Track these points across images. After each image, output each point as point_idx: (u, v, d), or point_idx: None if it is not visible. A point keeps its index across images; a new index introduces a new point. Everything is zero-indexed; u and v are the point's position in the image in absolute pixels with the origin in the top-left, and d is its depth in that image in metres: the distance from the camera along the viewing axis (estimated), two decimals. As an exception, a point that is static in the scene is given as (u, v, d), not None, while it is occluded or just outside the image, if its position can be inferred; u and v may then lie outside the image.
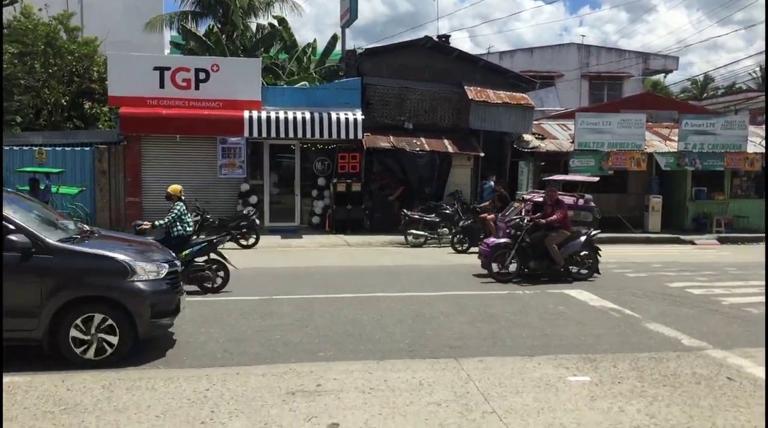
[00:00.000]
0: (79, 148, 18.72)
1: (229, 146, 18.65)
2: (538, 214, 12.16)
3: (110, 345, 6.51)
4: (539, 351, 7.17)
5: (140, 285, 6.60)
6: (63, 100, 23.59)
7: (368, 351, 7.12)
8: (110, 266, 6.57)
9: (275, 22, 30.09)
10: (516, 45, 36.11)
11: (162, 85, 18.28)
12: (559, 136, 21.76)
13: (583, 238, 12.01)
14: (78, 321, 6.42)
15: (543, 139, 21.12)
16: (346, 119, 18.90)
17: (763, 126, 24.69)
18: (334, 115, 18.88)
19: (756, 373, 6.32)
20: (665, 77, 40.15)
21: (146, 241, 8.17)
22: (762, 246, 18.62)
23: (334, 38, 28.88)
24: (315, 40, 30.73)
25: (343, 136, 18.88)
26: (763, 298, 10.22)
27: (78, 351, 6.44)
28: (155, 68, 18.28)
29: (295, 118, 18.63)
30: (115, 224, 18.45)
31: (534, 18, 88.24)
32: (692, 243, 18.74)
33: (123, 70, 18.14)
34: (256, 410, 5.25)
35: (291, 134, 18.62)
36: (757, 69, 46.62)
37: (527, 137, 20.71)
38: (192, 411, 5.23)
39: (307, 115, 18.74)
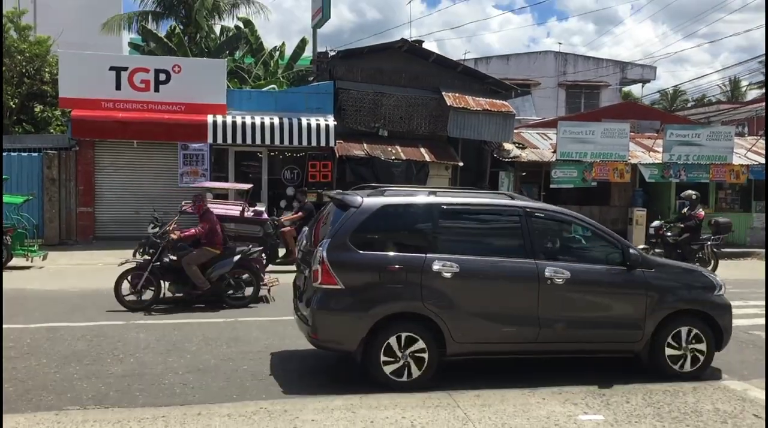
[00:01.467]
0: (26, 154, 17.76)
1: (191, 153, 17.89)
2: (180, 230, 10.34)
3: (697, 357, 6.86)
4: (540, 381, 6.56)
5: (725, 299, 7.04)
6: (12, 103, 22.52)
7: (350, 382, 6.43)
8: (701, 280, 7.09)
9: (241, 24, 29.37)
10: (485, 55, 35.99)
11: (118, 87, 17.49)
12: (540, 146, 21.43)
13: (236, 258, 10.25)
14: (670, 336, 6.79)
15: (524, 148, 20.77)
16: (318, 125, 18.30)
17: (747, 137, 24.72)
18: (304, 121, 18.27)
19: (785, 409, 5.80)
20: (643, 87, 40.32)
21: None
22: (751, 261, 18.42)
23: (303, 42, 28.25)
24: (283, 44, 30.13)
25: (314, 142, 18.27)
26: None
27: (674, 365, 6.83)
28: (111, 68, 17.49)
29: (262, 124, 17.98)
30: (65, 237, 17.51)
31: (502, 28, 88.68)
32: (679, 258, 18.42)
33: (75, 70, 17.30)
34: (220, 462, 4.54)
35: (258, 141, 17.95)
36: (727, 82, 47.24)
37: (508, 146, 20.33)
38: (144, 463, 4.50)
39: (276, 121, 18.11)
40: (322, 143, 18.31)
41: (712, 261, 14.85)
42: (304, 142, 18.23)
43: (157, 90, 17.75)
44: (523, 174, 20.57)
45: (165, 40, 26.19)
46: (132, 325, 8.67)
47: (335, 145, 18.44)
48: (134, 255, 14.71)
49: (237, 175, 19.20)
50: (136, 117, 17.39)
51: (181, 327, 8.63)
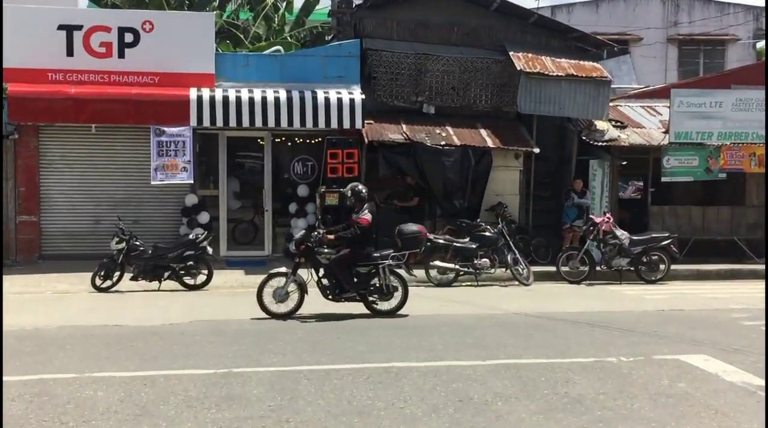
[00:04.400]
0: (-51, 145, 17.85)
1: (168, 139, 17.74)
2: None
3: None
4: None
5: None
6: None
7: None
8: None
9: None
10: (565, 0, 35.10)
11: (70, 52, 17.48)
12: (646, 124, 21.10)
13: None
14: None
15: (623, 127, 20.40)
16: (339, 100, 18.10)
17: None
18: (321, 94, 18.09)
19: None
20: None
21: None
22: None
23: (318, -12, 28.20)
24: (291, -8, 30.02)
25: (334, 124, 18.09)
26: None
27: None
28: (60, 27, 17.47)
29: (264, 99, 17.83)
30: (2, 255, 17.44)
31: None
32: None
33: (12, 30, 17.25)
34: None
35: (258, 122, 17.81)
36: None
37: (601, 125, 19.90)
38: None
39: (282, 95, 17.96)
40: (346, 124, 18.11)
41: (399, 292, 12.73)
42: (321, 124, 18.03)
43: (122, 55, 17.71)
44: (623, 163, 20.12)
45: (134, -11, 26.27)
46: (87, 379, 8.44)
47: (363, 126, 18.25)
48: (93, 282, 14.74)
49: (231, 169, 19.10)
50: (95, 92, 17.34)
51: (155, 381, 8.38)
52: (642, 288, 16.57)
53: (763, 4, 34.70)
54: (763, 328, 11.83)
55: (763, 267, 18.83)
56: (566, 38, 20.53)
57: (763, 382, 8.57)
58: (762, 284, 17.37)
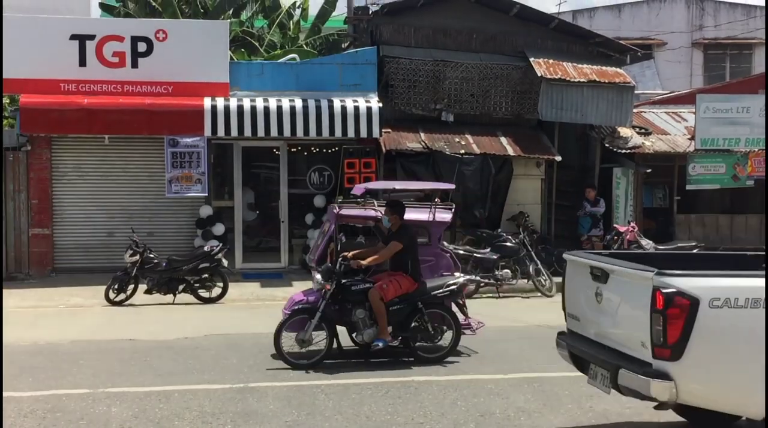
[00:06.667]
0: (-39, 156, 17.97)
1: (182, 150, 17.81)
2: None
3: None
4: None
5: None
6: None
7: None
8: None
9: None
10: (586, 6, 35.36)
11: (83, 62, 17.52)
12: (671, 130, 21.04)
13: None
14: None
15: (648, 134, 20.34)
16: (356, 108, 18.07)
17: None
18: (337, 103, 18.07)
19: None
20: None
21: None
22: None
23: (333, -4, 28.24)
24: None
25: (350, 133, 18.05)
26: None
27: None
28: (73, 37, 17.49)
29: (279, 108, 17.82)
30: (15, 269, 17.58)
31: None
32: None
33: (25, 40, 17.35)
34: None
35: (274, 131, 17.81)
36: None
37: (624, 132, 19.87)
38: None
39: (298, 104, 17.95)
40: (363, 133, 18.08)
41: None
42: (338, 133, 18.01)
43: (135, 65, 17.73)
44: (648, 171, 19.99)
45: (147, -2, 26.43)
46: (101, 395, 8.50)
47: (381, 135, 18.25)
48: (106, 295, 14.77)
49: (247, 180, 19.13)
50: (108, 103, 17.39)
51: (169, 396, 8.42)
52: (668, 300, 16.42)
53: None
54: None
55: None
56: (588, 43, 20.49)
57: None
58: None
